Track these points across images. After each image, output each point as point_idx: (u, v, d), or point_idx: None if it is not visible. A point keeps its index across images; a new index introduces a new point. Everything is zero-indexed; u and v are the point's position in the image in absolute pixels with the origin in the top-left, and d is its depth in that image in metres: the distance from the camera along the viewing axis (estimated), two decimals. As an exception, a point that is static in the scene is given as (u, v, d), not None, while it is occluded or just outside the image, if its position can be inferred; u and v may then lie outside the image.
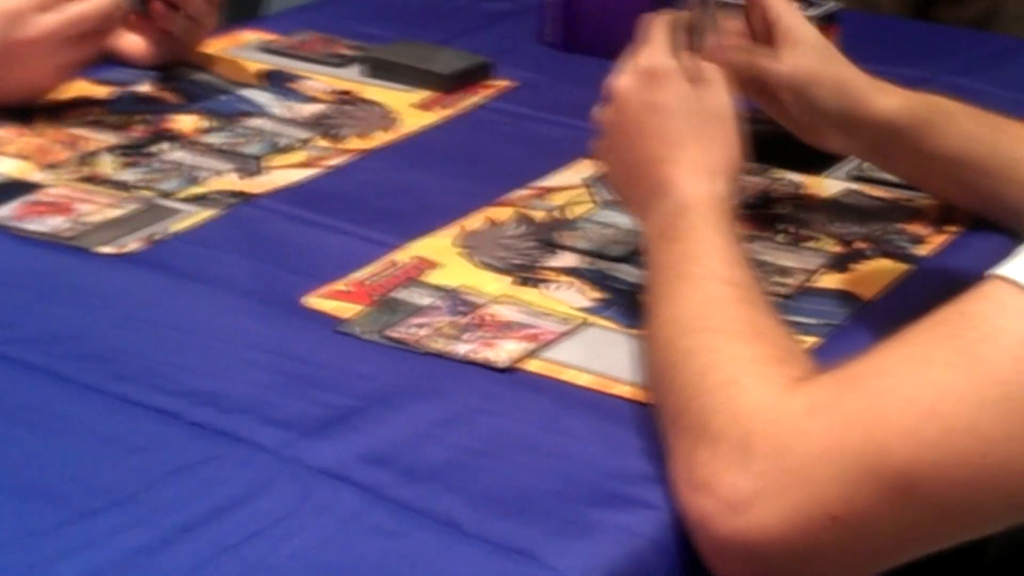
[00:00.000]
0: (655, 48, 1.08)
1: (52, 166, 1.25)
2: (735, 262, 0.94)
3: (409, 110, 1.42)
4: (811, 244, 1.18)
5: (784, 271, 1.12)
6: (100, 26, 1.26)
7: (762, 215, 1.22)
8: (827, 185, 1.29)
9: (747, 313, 0.89)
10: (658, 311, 0.94)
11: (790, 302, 1.08)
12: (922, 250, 1.18)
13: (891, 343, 0.81)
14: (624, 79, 1.07)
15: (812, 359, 0.89)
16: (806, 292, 1.10)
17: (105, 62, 1.43)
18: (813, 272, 1.13)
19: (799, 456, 0.79)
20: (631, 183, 1.05)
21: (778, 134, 1.37)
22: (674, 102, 1.04)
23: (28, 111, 1.35)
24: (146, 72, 1.45)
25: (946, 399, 0.76)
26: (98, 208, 1.18)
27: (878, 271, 1.14)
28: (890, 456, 0.77)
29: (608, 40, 1.56)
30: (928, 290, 1.12)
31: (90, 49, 1.27)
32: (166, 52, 1.42)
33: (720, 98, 1.05)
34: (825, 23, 1.47)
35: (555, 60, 1.58)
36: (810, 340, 1.03)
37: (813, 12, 1.46)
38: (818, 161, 1.31)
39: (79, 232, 1.14)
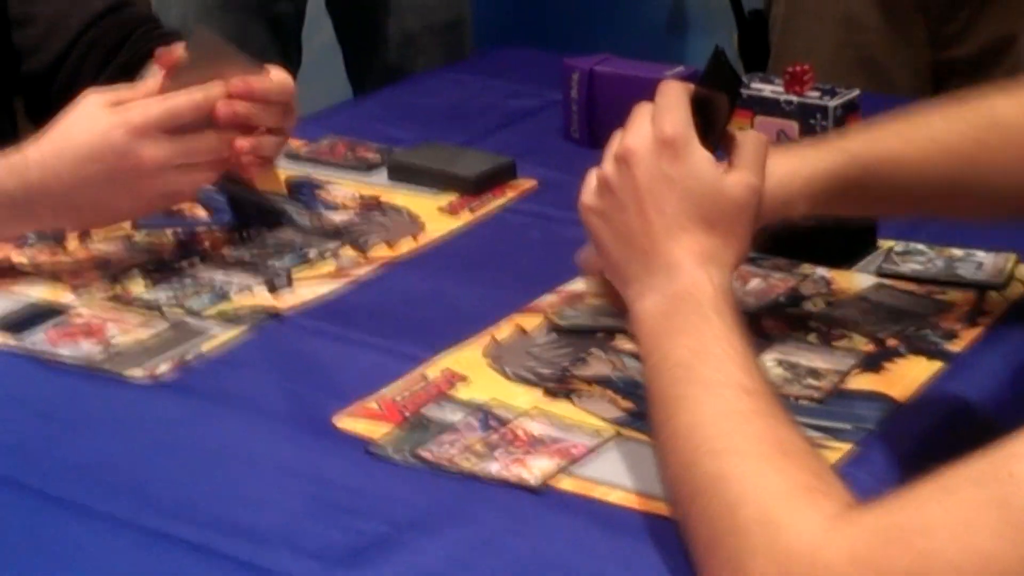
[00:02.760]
0: (676, 117, 1.02)
1: (83, 287, 1.26)
2: (751, 367, 0.92)
3: (435, 214, 1.42)
4: (843, 343, 1.17)
5: (815, 373, 1.12)
6: (211, 160, 1.26)
7: (793, 314, 1.22)
8: (856, 280, 1.28)
9: (772, 430, 0.88)
10: (674, 417, 0.92)
11: (821, 406, 1.07)
12: (955, 346, 1.17)
13: (935, 489, 0.79)
14: (641, 142, 1.02)
15: (842, 479, 0.88)
16: (838, 395, 1.09)
17: None
18: (845, 373, 1.12)
19: None
20: (629, 252, 1.01)
21: (805, 228, 1.38)
22: (692, 180, 1.00)
23: (60, 229, 1.37)
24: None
25: (992, 571, 0.75)
26: (128, 329, 1.19)
27: (911, 370, 1.13)
28: None
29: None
30: (963, 389, 1.11)
31: (197, 182, 1.27)
32: (249, 169, 1.37)
33: (744, 185, 1.01)
34: (849, 111, 1.48)
35: (580, 157, 1.56)
36: (844, 447, 1.02)
37: (837, 101, 1.46)
38: (846, 254, 1.31)
39: (109, 356, 1.15)
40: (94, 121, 1.23)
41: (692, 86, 1.07)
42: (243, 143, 1.27)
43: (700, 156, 1.01)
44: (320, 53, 2.35)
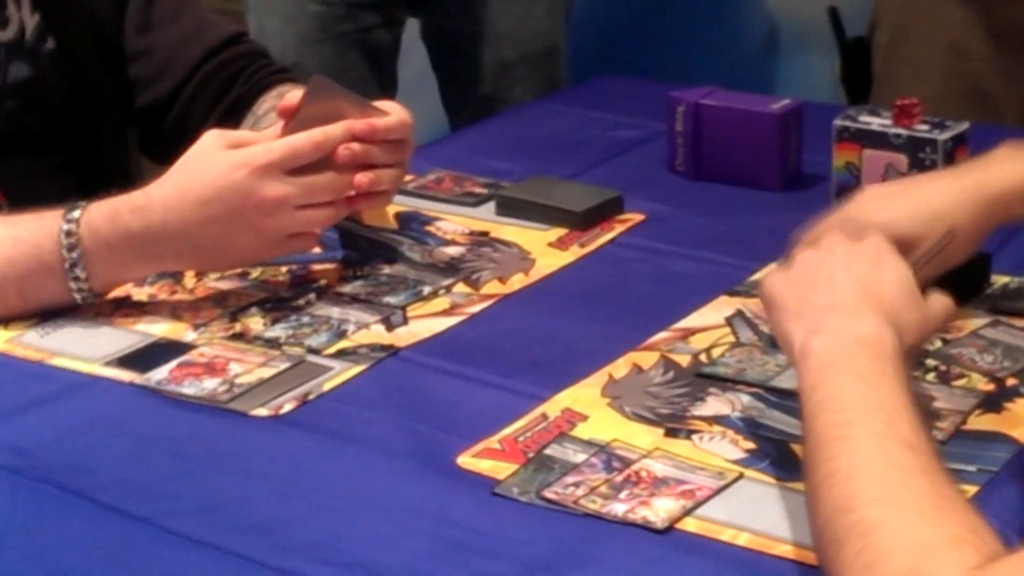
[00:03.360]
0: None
1: (203, 324, 1.28)
2: (918, 426, 0.93)
3: (545, 249, 1.43)
4: (961, 382, 1.17)
5: (936, 414, 1.12)
6: (333, 199, 1.28)
7: (909, 352, 1.21)
8: (971, 316, 1.28)
9: (932, 487, 0.89)
10: (834, 459, 0.92)
11: (944, 447, 1.07)
12: (1075, 386, 1.16)
13: None
14: (836, 224, 1.10)
15: (994, 533, 0.87)
16: (960, 436, 1.09)
17: None
18: (967, 414, 1.12)
19: None
20: (810, 295, 1.04)
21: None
22: (882, 260, 1.06)
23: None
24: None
25: None
26: (251, 368, 1.21)
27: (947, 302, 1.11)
28: None
29: (738, 168, 1.58)
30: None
31: (320, 220, 1.28)
32: (372, 203, 1.38)
33: (943, 304, 1.08)
34: (958, 144, 1.47)
35: (686, 189, 1.58)
36: (970, 489, 1.02)
37: (947, 135, 1.46)
38: (962, 291, 1.30)
39: (234, 395, 1.17)
40: (217, 161, 1.25)
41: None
42: (363, 179, 1.29)
43: (904, 266, 1.07)
44: (414, 83, 2.37)
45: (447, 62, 2.29)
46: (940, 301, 1.08)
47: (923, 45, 2.00)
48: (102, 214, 1.27)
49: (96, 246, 1.26)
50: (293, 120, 1.29)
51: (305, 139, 1.26)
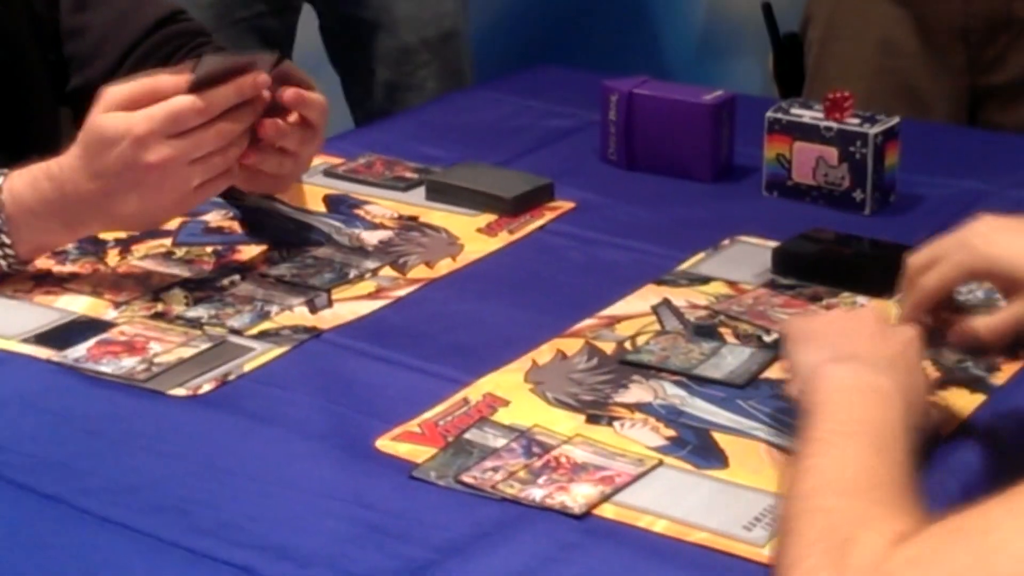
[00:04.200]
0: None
1: (124, 303, 1.27)
2: (909, 462, 0.94)
3: (474, 235, 1.43)
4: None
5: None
6: (222, 148, 1.25)
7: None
8: (896, 309, 1.28)
9: (898, 491, 0.89)
10: (818, 454, 0.93)
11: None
12: (997, 379, 1.17)
13: (998, 499, 0.80)
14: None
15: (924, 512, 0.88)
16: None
17: None
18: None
19: None
20: (837, 339, 1.06)
21: (845, 256, 1.38)
22: (914, 356, 1.07)
23: (100, 243, 1.38)
24: (213, 202, 1.46)
25: None
26: (170, 347, 1.19)
27: (954, 403, 1.13)
28: None
29: (670, 159, 1.58)
30: (1005, 422, 1.11)
31: (212, 171, 1.26)
32: (261, 186, 1.38)
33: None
34: (889, 139, 1.48)
35: (617, 178, 1.58)
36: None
37: (877, 129, 1.46)
38: (886, 284, 1.31)
39: (152, 374, 1.15)
40: (105, 132, 1.23)
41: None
42: (270, 126, 1.27)
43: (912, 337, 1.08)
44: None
45: (346, 52, 2.28)
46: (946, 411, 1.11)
47: (854, 41, 2.00)
48: (23, 181, 1.26)
49: (19, 212, 1.25)
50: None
51: (188, 102, 1.23)
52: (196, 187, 1.25)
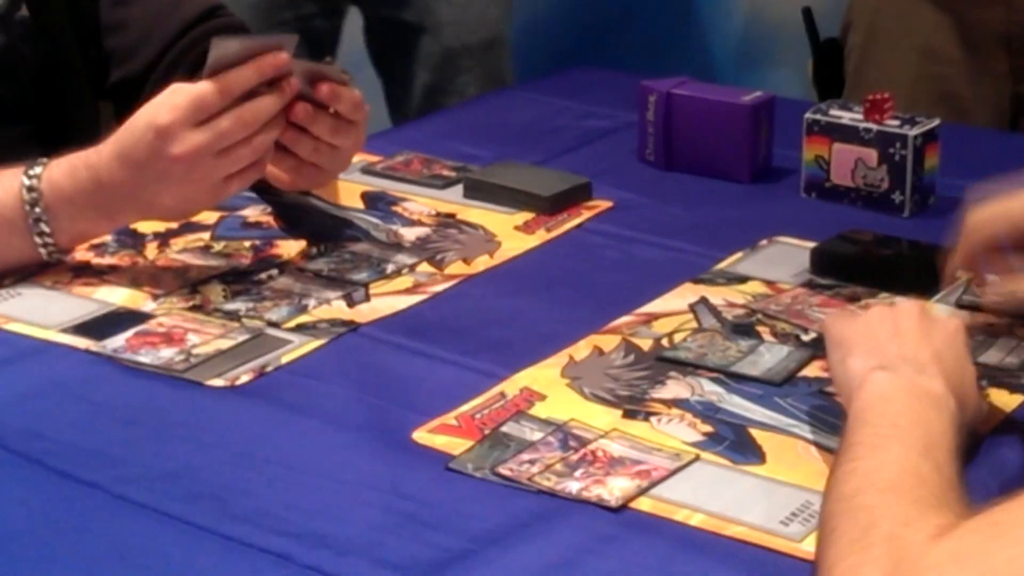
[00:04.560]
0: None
1: (162, 295, 1.27)
2: (955, 466, 0.94)
3: (511, 233, 1.43)
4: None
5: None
6: (248, 137, 1.25)
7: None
8: (934, 310, 1.27)
9: (940, 490, 0.89)
10: (860, 457, 0.93)
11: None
12: (1037, 380, 1.16)
13: None
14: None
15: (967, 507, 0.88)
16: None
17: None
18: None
19: None
20: (883, 341, 1.04)
21: (883, 257, 1.37)
22: (967, 365, 1.05)
23: (139, 236, 1.38)
24: (251, 197, 1.47)
25: None
26: (208, 339, 1.20)
27: (993, 404, 1.12)
28: None
29: (708, 159, 1.58)
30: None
31: (241, 162, 1.26)
32: (303, 180, 1.38)
33: (983, 403, 1.08)
34: (929, 141, 1.47)
35: (655, 179, 1.58)
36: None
37: (917, 131, 1.45)
38: (924, 284, 1.30)
39: (191, 365, 1.16)
40: (137, 123, 1.24)
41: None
42: (301, 110, 1.27)
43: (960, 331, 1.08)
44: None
45: (389, 54, 2.28)
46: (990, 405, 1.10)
47: (895, 48, 2.00)
48: (61, 171, 1.27)
49: (58, 202, 1.26)
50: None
51: (208, 86, 1.23)
52: (225, 178, 1.26)
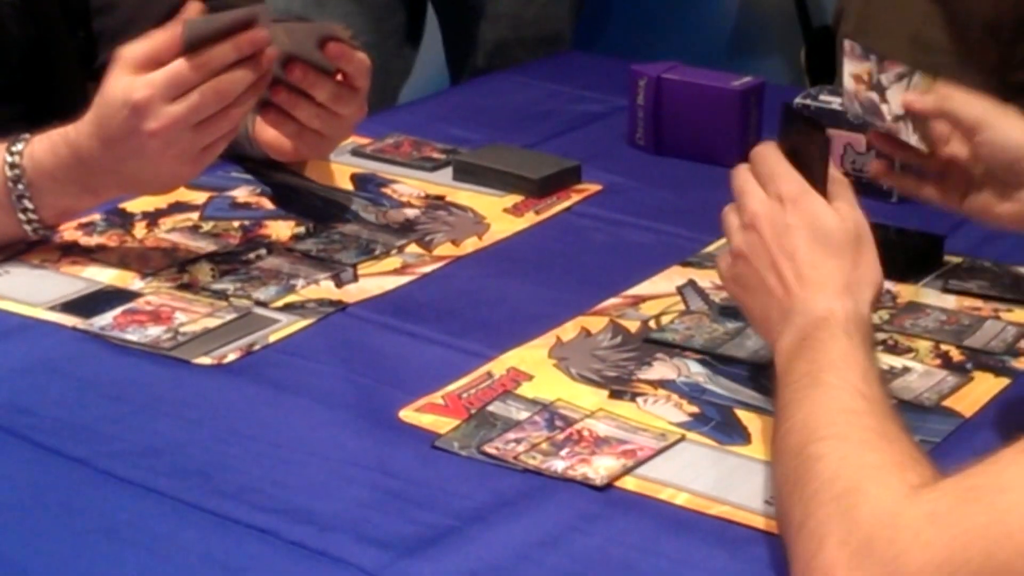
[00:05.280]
0: (787, 175, 1.07)
1: (151, 274, 1.27)
2: (872, 379, 0.95)
3: (500, 215, 1.43)
4: (909, 357, 1.17)
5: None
6: (224, 108, 1.24)
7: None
8: (922, 294, 1.28)
9: (877, 423, 0.90)
10: (789, 416, 0.94)
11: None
12: (1021, 363, 1.16)
13: (1013, 453, 0.81)
14: (761, 205, 1.07)
15: (934, 465, 0.88)
16: (904, 406, 1.09)
17: (233, 158, 1.45)
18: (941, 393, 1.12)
19: (919, 563, 0.80)
20: (769, 302, 1.05)
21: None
22: (812, 220, 1.04)
23: (128, 216, 1.38)
24: (241, 177, 1.47)
25: None
26: (196, 317, 1.20)
27: (978, 386, 1.13)
28: (1010, 575, 0.77)
29: (697, 144, 1.58)
30: (1029, 406, 1.11)
31: (218, 131, 1.25)
32: (305, 147, 1.39)
33: (854, 214, 1.05)
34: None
35: (644, 163, 1.58)
36: (910, 459, 1.02)
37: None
38: (913, 268, 1.31)
39: (178, 343, 1.16)
40: (110, 97, 1.23)
41: (777, 145, 1.11)
42: (298, 71, 1.27)
43: (816, 200, 1.06)
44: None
45: (450, 31, 2.30)
46: (846, 213, 1.06)
47: (885, 36, 1.99)
48: (43, 147, 1.27)
49: (40, 178, 1.26)
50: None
51: (185, 63, 1.22)
52: (202, 149, 1.25)
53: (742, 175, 1.10)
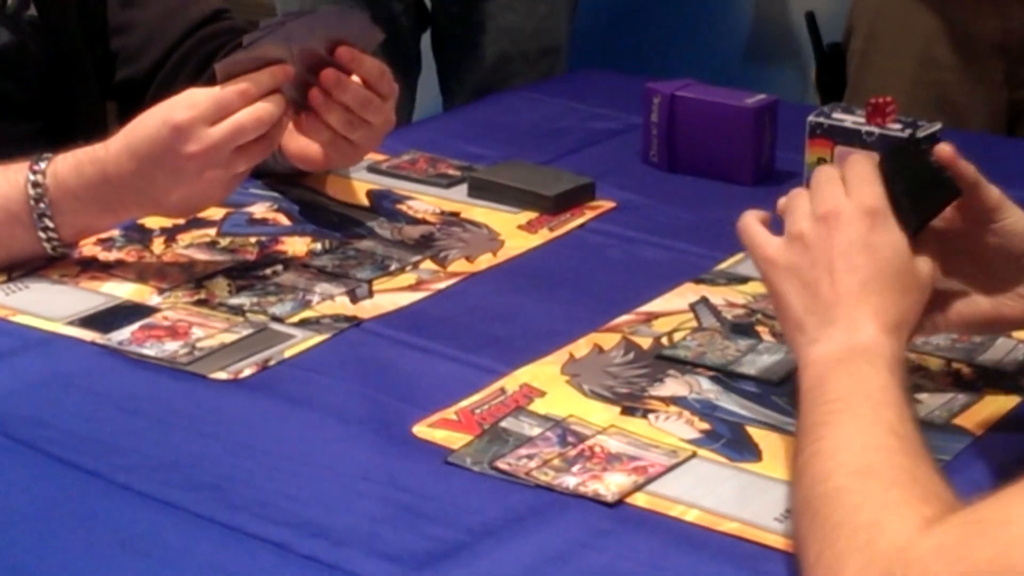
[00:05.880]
0: (875, 190, 1.05)
1: (168, 289, 1.29)
2: (907, 418, 0.95)
3: (514, 232, 1.44)
4: (920, 375, 1.17)
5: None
6: (262, 133, 1.26)
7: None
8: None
9: (909, 463, 0.91)
10: (818, 438, 0.94)
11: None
12: (1032, 382, 1.17)
13: (1018, 489, 0.82)
14: (844, 206, 1.04)
15: (955, 497, 0.89)
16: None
17: (253, 174, 1.47)
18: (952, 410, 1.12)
19: None
20: (811, 303, 1.02)
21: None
22: (890, 251, 1.03)
23: (146, 232, 1.39)
24: (258, 194, 1.48)
25: None
26: (213, 332, 1.21)
27: (989, 404, 1.13)
28: None
29: (711, 161, 1.59)
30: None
31: (255, 158, 1.28)
32: (336, 155, 1.38)
33: (932, 268, 1.05)
34: (929, 143, 1.48)
35: (658, 180, 1.59)
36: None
37: (921, 133, 1.46)
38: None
39: (195, 358, 1.17)
40: (151, 117, 1.25)
41: (877, 157, 1.10)
42: (330, 74, 1.28)
43: (897, 231, 1.04)
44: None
45: (448, 48, 2.30)
46: (926, 264, 1.06)
47: (893, 54, 2.01)
48: (67, 165, 1.28)
49: (62, 196, 1.27)
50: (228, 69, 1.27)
51: (231, 89, 1.24)
52: (239, 174, 1.27)
53: (827, 171, 1.08)
